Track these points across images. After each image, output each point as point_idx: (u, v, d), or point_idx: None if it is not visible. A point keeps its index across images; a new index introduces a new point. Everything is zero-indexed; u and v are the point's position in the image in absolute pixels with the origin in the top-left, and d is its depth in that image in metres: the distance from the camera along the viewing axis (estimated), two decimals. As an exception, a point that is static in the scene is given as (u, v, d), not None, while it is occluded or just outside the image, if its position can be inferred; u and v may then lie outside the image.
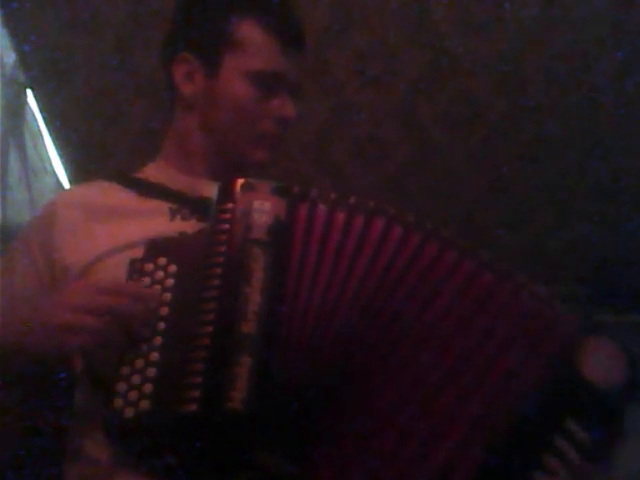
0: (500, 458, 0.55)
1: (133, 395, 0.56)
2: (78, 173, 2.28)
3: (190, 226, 0.71)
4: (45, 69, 1.99)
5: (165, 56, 0.81)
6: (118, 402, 0.56)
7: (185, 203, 0.75)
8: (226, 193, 0.63)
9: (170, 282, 0.61)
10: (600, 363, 0.57)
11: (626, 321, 2.53)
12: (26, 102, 2.04)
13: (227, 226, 0.60)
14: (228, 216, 0.61)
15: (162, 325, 0.59)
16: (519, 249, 2.67)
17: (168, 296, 0.60)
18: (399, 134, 2.31)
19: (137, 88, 2.03)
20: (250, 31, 0.76)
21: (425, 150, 2.37)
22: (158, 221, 0.73)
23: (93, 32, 1.91)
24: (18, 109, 1.99)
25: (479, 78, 2.15)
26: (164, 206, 0.75)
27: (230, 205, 0.61)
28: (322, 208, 0.63)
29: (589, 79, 2.15)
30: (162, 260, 0.62)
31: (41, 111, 2.10)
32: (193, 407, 0.53)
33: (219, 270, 0.59)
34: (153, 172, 0.82)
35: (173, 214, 0.74)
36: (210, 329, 0.56)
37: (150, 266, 0.62)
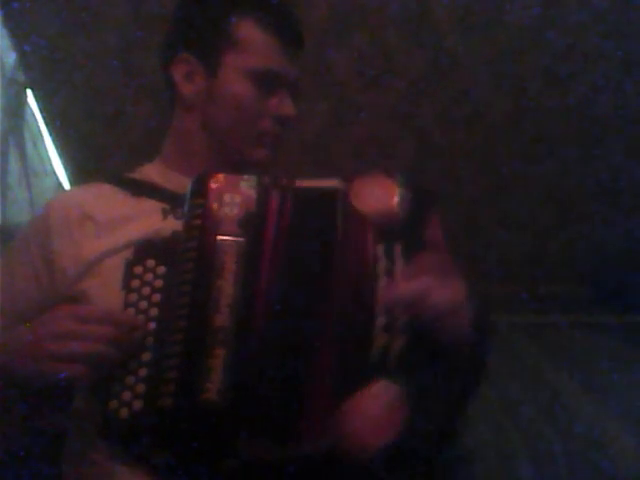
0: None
1: (127, 395, 0.57)
2: (78, 173, 2.28)
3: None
4: (45, 69, 1.99)
5: (164, 56, 0.81)
6: (113, 403, 0.57)
7: (179, 203, 0.75)
8: (197, 189, 0.63)
9: (159, 283, 0.61)
10: (371, 195, 0.64)
11: (627, 321, 2.53)
12: (26, 102, 2.04)
13: (199, 221, 0.61)
14: (199, 211, 0.62)
15: (152, 325, 0.59)
16: (519, 249, 2.67)
17: (157, 297, 0.61)
18: (399, 134, 2.32)
19: (138, 88, 2.03)
20: (249, 31, 0.76)
21: (425, 150, 2.37)
22: (151, 221, 0.73)
23: (93, 32, 1.91)
24: (18, 109, 1.99)
25: (479, 78, 2.15)
26: (157, 206, 0.75)
27: (201, 200, 0.62)
28: (289, 196, 0.64)
29: (589, 79, 2.16)
30: (151, 262, 0.63)
31: (41, 111, 2.10)
32: (169, 401, 0.55)
33: (192, 265, 0.59)
34: (149, 172, 0.82)
35: (165, 214, 0.74)
36: (184, 324, 0.58)
37: (139, 268, 0.63)
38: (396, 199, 0.63)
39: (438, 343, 0.58)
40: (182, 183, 0.79)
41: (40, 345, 0.57)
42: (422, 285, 0.57)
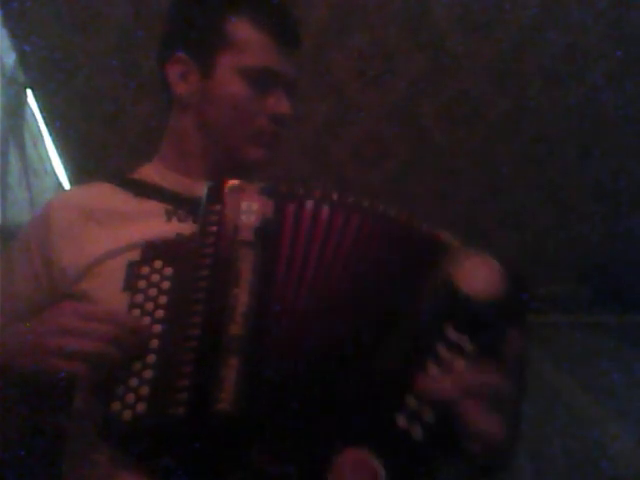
0: (386, 365, 0.58)
1: (130, 398, 0.56)
2: (78, 173, 2.28)
3: (186, 227, 0.71)
4: (45, 69, 1.99)
5: (160, 56, 0.81)
6: (116, 405, 0.56)
7: (181, 204, 0.75)
8: (214, 194, 0.62)
9: (166, 285, 0.60)
10: (474, 274, 0.61)
11: (626, 321, 2.53)
12: (26, 102, 2.04)
13: (215, 228, 0.60)
14: (216, 218, 0.61)
15: (158, 327, 0.59)
16: (519, 249, 2.67)
17: (164, 299, 0.60)
18: (399, 134, 2.32)
19: (137, 88, 2.03)
20: (244, 30, 0.76)
21: (425, 150, 2.37)
22: (155, 222, 0.73)
23: (93, 32, 1.91)
24: (18, 109, 1.99)
25: (479, 78, 2.15)
26: (160, 207, 0.75)
27: (218, 207, 0.61)
28: (308, 206, 0.63)
29: (589, 79, 2.16)
30: (158, 263, 0.62)
31: (41, 111, 2.10)
32: (181, 410, 0.54)
33: (207, 272, 0.59)
34: (149, 173, 0.82)
35: (169, 215, 0.74)
36: (197, 331, 0.56)
37: (146, 269, 0.62)
38: (497, 286, 0.60)
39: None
40: (181, 184, 0.79)
41: (40, 341, 0.56)
42: (467, 407, 0.54)
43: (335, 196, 0.64)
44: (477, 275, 0.61)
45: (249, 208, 0.62)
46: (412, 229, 0.66)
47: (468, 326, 0.58)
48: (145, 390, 0.56)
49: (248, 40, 0.76)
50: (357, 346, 0.59)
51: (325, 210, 0.63)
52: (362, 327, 0.60)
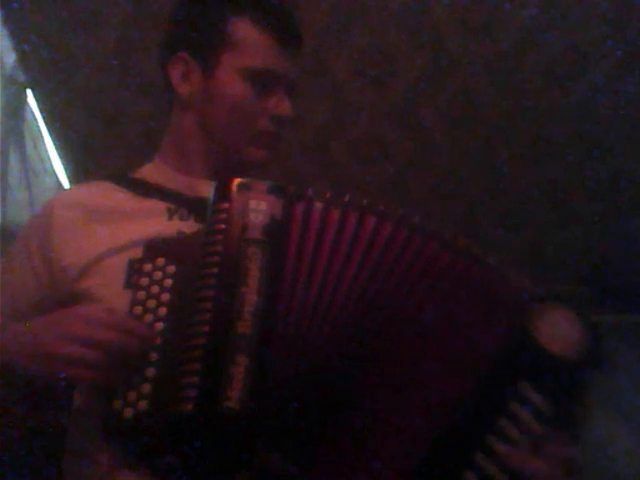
0: (454, 422, 0.56)
1: (132, 396, 0.56)
2: (78, 173, 2.28)
3: (188, 226, 0.71)
4: (45, 69, 1.99)
5: (162, 56, 0.81)
6: (117, 403, 0.56)
7: (183, 203, 0.75)
8: (222, 193, 0.62)
9: (168, 282, 0.61)
10: (556, 331, 0.57)
11: (626, 321, 2.53)
12: (26, 102, 2.04)
13: (223, 226, 0.60)
14: (224, 216, 0.61)
15: (161, 325, 0.59)
16: (519, 249, 2.67)
17: (167, 296, 0.60)
18: (399, 134, 2.32)
19: (137, 88, 2.03)
20: (246, 30, 0.76)
21: (425, 150, 2.37)
22: (156, 221, 0.73)
23: (93, 32, 1.91)
24: (18, 109, 1.99)
25: (479, 78, 2.15)
26: (162, 206, 0.75)
27: (226, 205, 0.61)
28: (318, 207, 0.63)
29: (589, 79, 2.16)
30: (161, 260, 0.62)
31: (41, 111, 2.10)
32: (189, 407, 0.54)
33: (215, 270, 0.59)
34: (151, 172, 0.82)
35: (171, 214, 0.74)
36: (206, 329, 0.57)
37: (149, 266, 0.62)
38: (580, 345, 0.56)
39: None
40: (183, 183, 0.79)
41: (43, 345, 0.56)
42: None
43: (347, 198, 0.64)
44: (559, 331, 0.57)
45: (257, 207, 0.62)
46: (420, 234, 0.64)
47: (546, 385, 0.55)
48: (147, 388, 0.56)
49: (250, 41, 0.76)
50: (366, 347, 0.59)
51: (335, 211, 0.63)
52: (372, 329, 0.60)
